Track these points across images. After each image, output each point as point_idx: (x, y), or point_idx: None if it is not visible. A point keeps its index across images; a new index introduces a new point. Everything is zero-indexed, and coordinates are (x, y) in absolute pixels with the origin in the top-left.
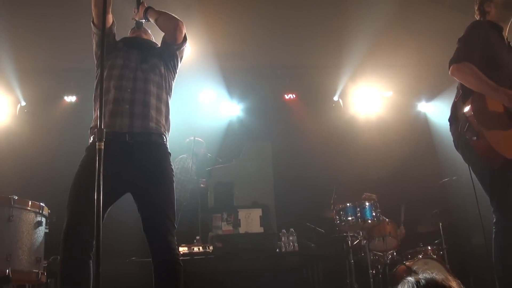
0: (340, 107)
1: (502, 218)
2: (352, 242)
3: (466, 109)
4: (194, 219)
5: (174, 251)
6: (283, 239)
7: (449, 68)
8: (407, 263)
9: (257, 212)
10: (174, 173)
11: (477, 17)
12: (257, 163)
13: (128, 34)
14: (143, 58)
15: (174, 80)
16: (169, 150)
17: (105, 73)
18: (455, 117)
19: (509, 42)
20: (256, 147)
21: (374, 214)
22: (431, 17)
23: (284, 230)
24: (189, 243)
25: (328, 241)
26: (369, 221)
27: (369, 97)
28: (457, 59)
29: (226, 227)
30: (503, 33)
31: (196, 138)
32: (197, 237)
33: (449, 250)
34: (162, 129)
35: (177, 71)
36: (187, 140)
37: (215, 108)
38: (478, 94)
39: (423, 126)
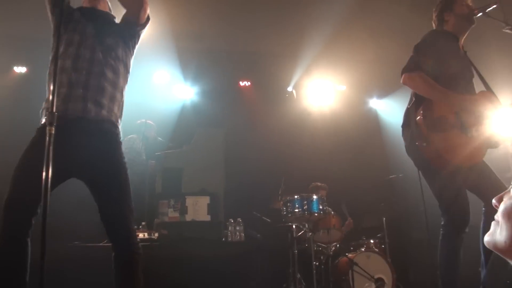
0: (293, 98)
1: (450, 222)
2: (296, 233)
3: (417, 116)
4: (140, 204)
5: (133, 240)
6: (229, 228)
7: (401, 76)
8: (350, 255)
9: (205, 200)
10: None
11: (434, 24)
12: (208, 150)
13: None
14: (101, 37)
15: (132, 60)
16: (120, 139)
17: (61, 49)
18: (407, 123)
19: (465, 51)
20: (209, 133)
21: (321, 207)
22: (389, 16)
23: (231, 220)
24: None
25: (274, 231)
26: (316, 214)
27: (323, 90)
28: (409, 69)
29: (173, 214)
30: (459, 42)
31: (147, 121)
32: (143, 223)
33: (391, 244)
34: (114, 118)
35: (135, 50)
36: (138, 122)
37: (168, 90)
38: (429, 101)
39: (374, 122)
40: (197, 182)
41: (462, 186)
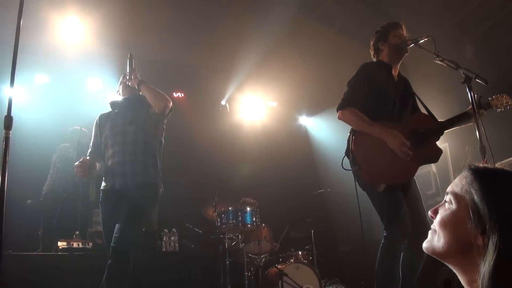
0: (227, 112)
1: (390, 235)
2: (229, 244)
3: (352, 143)
4: (74, 213)
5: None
6: (164, 239)
7: (337, 112)
8: (279, 267)
9: None
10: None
11: (372, 53)
12: None
13: None
14: (132, 120)
15: (163, 130)
16: (157, 191)
17: (103, 143)
18: (348, 150)
19: (401, 80)
20: None
21: (254, 219)
22: (320, 38)
23: (166, 230)
24: (68, 238)
25: (207, 242)
26: (249, 226)
27: (255, 105)
28: (342, 106)
29: None
30: (393, 71)
31: (82, 128)
32: (76, 232)
33: (318, 255)
34: (152, 179)
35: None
36: (71, 129)
37: (102, 97)
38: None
39: (304, 138)
40: None
41: (401, 200)
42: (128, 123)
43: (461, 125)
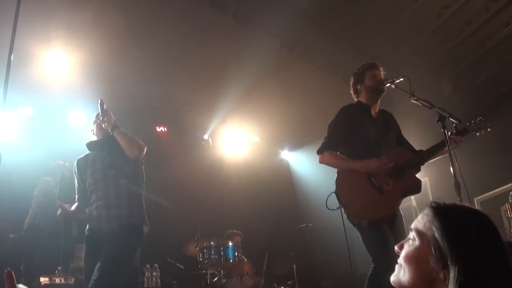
0: (209, 146)
1: (377, 267)
2: (211, 279)
3: (336, 183)
4: (56, 248)
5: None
6: (146, 274)
7: (318, 156)
8: None
9: None
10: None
11: (352, 92)
12: None
13: None
14: (110, 164)
15: (143, 165)
16: (142, 230)
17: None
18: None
19: (382, 116)
20: None
21: (236, 254)
22: (302, 75)
23: (148, 265)
24: (50, 273)
25: (189, 277)
26: (231, 261)
27: (237, 139)
28: (321, 150)
29: None
30: (372, 110)
31: (65, 163)
32: (59, 268)
33: None
34: (137, 219)
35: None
36: (54, 163)
37: (85, 131)
38: (341, 170)
39: (285, 173)
40: None
41: (387, 233)
42: (107, 167)
43: (440, 155)
